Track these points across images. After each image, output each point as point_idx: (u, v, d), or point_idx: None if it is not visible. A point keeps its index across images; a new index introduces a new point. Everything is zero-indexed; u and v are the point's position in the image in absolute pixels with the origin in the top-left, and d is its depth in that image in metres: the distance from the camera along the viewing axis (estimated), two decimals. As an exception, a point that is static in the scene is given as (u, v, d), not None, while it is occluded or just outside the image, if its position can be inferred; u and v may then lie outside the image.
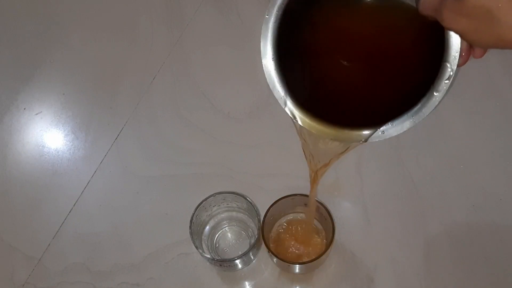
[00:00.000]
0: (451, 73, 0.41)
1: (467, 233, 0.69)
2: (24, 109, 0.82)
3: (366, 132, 0.45)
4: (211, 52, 0.85)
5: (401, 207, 0.71)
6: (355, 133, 0.46)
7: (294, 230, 0.67)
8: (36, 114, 0.81)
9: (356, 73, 0.48)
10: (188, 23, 0.86)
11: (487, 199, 0.71)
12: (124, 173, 0.76)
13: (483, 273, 0.67)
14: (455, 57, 0.40)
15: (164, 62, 0.83)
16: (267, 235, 0.64)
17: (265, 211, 0.63)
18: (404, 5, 0.44)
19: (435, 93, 0.42)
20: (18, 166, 0.78)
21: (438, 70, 0.41)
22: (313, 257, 0.61)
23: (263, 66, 0.46)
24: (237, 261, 0.64)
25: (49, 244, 0.72)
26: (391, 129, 0.44)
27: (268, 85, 0.47)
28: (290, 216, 0.68)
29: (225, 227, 0.71)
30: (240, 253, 0.64)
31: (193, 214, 0.64)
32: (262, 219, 0.63)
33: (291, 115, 0.47)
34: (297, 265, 0.63)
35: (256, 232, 0.66)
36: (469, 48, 0.40)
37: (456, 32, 0.38)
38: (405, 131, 0.44)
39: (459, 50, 0.40)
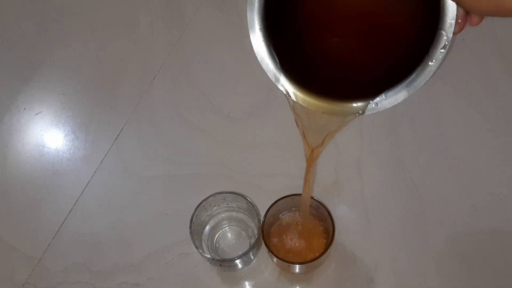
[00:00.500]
0: (447, 42, 0.40)
1: (467, 233, 0.69)
2: (24, 109, 0.82)
3: (360, 105, 0.44)
4: (211, 52, 0.85)
5: (401, 207, 0.71)
6: (349, 106, 0.45)
7: (293, 224, 0.67)
8: (36, 114, 0.81)
9: (348, 44, 0.46)
10: (188, 23, 0.86)
11: (487, 199, 0.71)
12: (124, 173, 0.76)
13: (483, 273, 0.67)
14: (451, 24, 0.39)
15: (164, 62, 0.83)
16: (267, 235, 0.64)
17: (265, 211, 0.63)
18: None
19: (430, 63, 0.41)
20: (18, 166, 0.78)
21: (433, 38, 0.40)
22: (313, 256, 0.61)
23: (251, 38, 0.45)
24: (237, 261, 0.64)
25: (49, 244, 0.72)
26: (384, 101, 0.43)
27: (259, 63, 0.45)
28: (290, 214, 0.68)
29: (225, 227, 0.71)
30: (240, 253, 0.64)
31: (193, 214, 0.64)
32: (262, 219, 0.63)
33: (284, 91, 0.45)
34: (297, 265, 0.63)
35: (256, 232, 0.66)
36: (465, 15, 0.39)
37: (453, 0, 0.37)
38: (399, 102, 0.43)
39: (455, 17, 0.39)
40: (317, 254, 0.61)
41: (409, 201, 0.71)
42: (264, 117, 0.78)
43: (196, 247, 0.63)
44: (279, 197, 0.64)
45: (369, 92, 0.43)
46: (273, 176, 0.74)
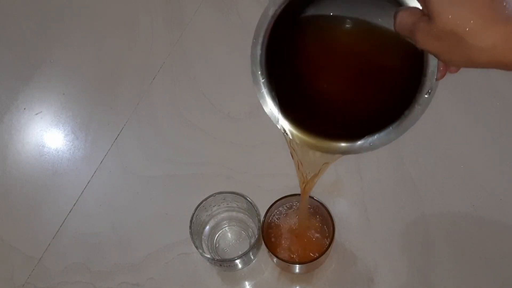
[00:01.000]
0: (431, 87, 0.42)
1: (467, 233, 0.69)
2: (24, 109, 0.82)
3: (350, 145, 0.48)
4: (211, 52, 0.85)
5: (401, 207, 0.71)
6: (342, 146, 0.48)
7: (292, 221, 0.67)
8: (36, 114, 0.81)
9: (342, 88, 0.50)
10: (188, 23, 0.86)
11: (487, 199, 0.71)
12: (124, 173, 0.76)
13: (483, 273, 0.67)
14: (433, 72, 0.42)
15: (164, 62, 0.83)
16: (267, 235, 0.64)
17: (265, 211, 0.63)
18: (384, 27, 0.46)
19: (417, 106, 0.43)
20: (18, 166, 0.78)
21: (419, 84, 0.43)
22: (313, 256, 0.61)
23: (255, 87, 0.49)
24: (237, 261, 0.64)
25: (49, 244, 0.72)
26: (376, 141, 0.46)
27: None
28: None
29: (225, 227, 0.71)
30: (240, 253, 0.64)
31: (193, 214, 0.64)
32: (262, 219, 0.63)
33: (282, 130, 0.49)
34: (297, 265, 0.63)
35: (256, 232, 0.66)
36: (445, 65, 0.42)
37: (430, 53, 0.40)
38: (390, 143, 0.46)
39: (436, 65, 0.42)
40: (317, 254, 0.61)
41: (409, 201, 0.71)
42: (264, 117, 0.78)
43: (196, 247, 0.63)
44: (279, 197, 0.64)
45: (362, 132, 0.47)
46: (273, 176, 0.74)
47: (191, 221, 0.63)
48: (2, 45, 0.88)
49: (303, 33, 0.50)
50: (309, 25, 0.49)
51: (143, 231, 0.72)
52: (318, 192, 0.71)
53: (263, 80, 0.48)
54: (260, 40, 0.47)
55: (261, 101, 0.49)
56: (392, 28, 0.40)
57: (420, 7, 0.38)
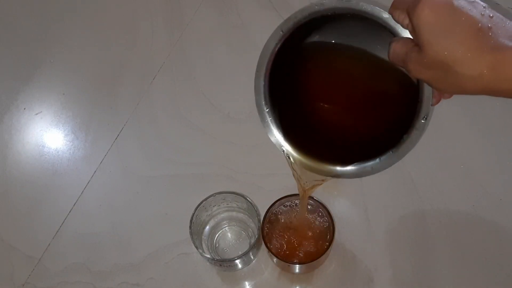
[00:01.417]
0: (427, 113, 0.44)
1: (467, 233, 0.69)
2: (24, 109, 0.82)
3: (348, 168, 0.50)
4: (211, 52, 0.85)
5: (401, 207, 0.71)
6: (342, 169, 0.51)
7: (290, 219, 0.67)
8: (36, 114, 0.81)
9: (341, 114, 0.52)
10: (188, 23, 0.86)
11: (487, 199, 0.71)
12: (124, 173, 0.76)
13: (483, 273, 0.67)
14: (428, 97, 0.43)
15: (164, 62, 0.83)
16: (267, 235, 0.64)
17: (265, 211, 0.63)
18: (381, 55, 0.48)
19: (414, 131, 0.45)
20: (18, 166, 0.78)
21: (416, 109, 0.44)
22: (313, 256, 0.61)
23: (260, 117, 0.50)
24: (237, 261, 0.64)
25: (49, 244, 0.72)
26: (378, 165, 0.48)
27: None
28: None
29: (225, 227, 0.71)
30: (240, 253, 0.64)
31: (193, 214, 0.64)
32: (262, 219, 0.63)
33: (286, 156, 0.52)
34: (297, 265, 0.63)
35: (256, 232, 0.66)
36: (439, 92, 0.43)
37: (423, 81, 0.41)
38: (391, 166, 0.48)
39: (431, 92, 0.43)
40: (317, 254, 0.61)
41: (409, 201, 0.71)
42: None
43: (196, 247, 0.63)
44: (279, 197, 0.64)
45: (362, 156, 0.49)
46: (273, 176, 0.74)
47: (191, 221, 0.63)
48: (2, 45, 0.88)
49: (304, 60, 0.51)
50: (310, 52, 0.51)
51: (143, 231, 0.72)
52: (318, 192, 0.71)
53: (267, 110, 0.50)
54: (263, 71, 0.48)
55: (266, 130, 0.51)
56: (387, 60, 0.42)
57: (412, 37, 0.40)
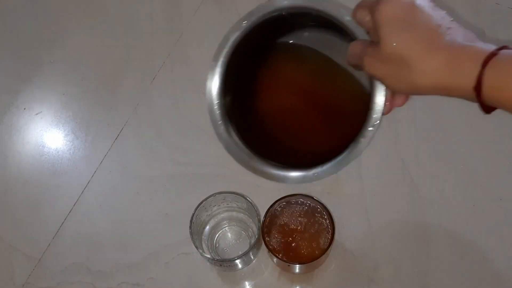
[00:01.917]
0: (376, 121, 0.44)
1: (467, 233, 0.69)
2: (24, 109, 0.82)
3: (297, 174, 0.50)
4: (211, 52, 0.84)
5: (401, 207, 0.71)
6: (281, 174, 0.52)
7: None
8: (36, 114, 0.81)
9: (297, 122, 0.53)
10: (188, 23, 0.86)
11: (487, 199, 0.71)
12: (124, 173, 0.76)
13: (483, 273, 0.67)
14: (379, 105, 0.44)
15: (164, 62, 0.83)
16: (267, 235, 0.64)
17: (265, 211, 0.63)
18: (346, 68, 0.49)
19: (362, 139, 0.45)
20: (18, 166, 0.78)
21: (366, 118, 0.45)
22: (313, 256, 0.61)
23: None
24: (237, 261, 0.64)
25: (49, 244, 0.72)
26: (321, 172, 0.48)
27: None
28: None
29: (225, 227, 0.71)
30: (240, 253, 0.64)
31: (193, 214, 0.64)
32: (262, 219, 0.63)
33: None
34: (297, 265, 0.63)
35: (256, 232, 0.66)
36: (391, 98, 0.44)
37: (376, 78, 0.42)
38: (334, 175, 0.48)
39: (383, 99, 0.44)
40: (317, 254, 0.61)
41: (409, 201, 0.71)
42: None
43: (196, 247, 0.63)
44: (279, 197, 0.64)
45: (313, 164, 0.49)
46: (273, 176, 0.74)
47: (191, 221, 0.63)
48: (2, 45, 0.88)
49: (267, 60, 0.53)
50: (276, 53, 0.53)
51: (143, 231, 0.72)
52: (318, 192, 0.71)
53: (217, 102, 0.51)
54: (221, 59, 0.51)
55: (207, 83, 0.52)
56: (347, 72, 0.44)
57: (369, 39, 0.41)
